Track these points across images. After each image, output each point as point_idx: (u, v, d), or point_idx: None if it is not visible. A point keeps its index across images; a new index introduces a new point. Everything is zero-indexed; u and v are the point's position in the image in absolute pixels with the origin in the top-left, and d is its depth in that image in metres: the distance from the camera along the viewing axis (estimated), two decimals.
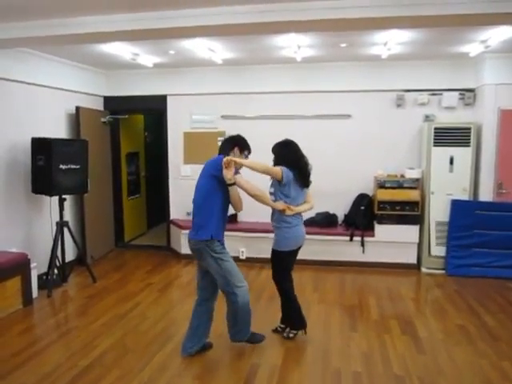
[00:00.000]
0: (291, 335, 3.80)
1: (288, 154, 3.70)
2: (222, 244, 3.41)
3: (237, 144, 3.55)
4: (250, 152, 3.61)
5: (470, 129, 5.46)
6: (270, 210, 3.70)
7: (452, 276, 5.48)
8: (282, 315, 3.90)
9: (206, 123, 6.45)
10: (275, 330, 3.94)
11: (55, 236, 5.08)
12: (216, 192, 3.34)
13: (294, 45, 4.84)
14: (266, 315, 4.23)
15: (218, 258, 3.32)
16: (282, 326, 3.91)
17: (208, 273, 3.42)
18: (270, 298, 4.74)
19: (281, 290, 3.79)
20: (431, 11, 3.24)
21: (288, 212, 3.58)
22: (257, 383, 3.12)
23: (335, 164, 6.14)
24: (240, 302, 3.35)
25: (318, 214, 6.13)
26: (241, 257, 6.02)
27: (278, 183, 3.60)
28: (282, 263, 3.75)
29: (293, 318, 3.81)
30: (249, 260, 6.00)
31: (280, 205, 3.58)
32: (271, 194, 3.65)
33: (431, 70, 5.79)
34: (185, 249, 6.28)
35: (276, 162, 3.69)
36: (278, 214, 3.65)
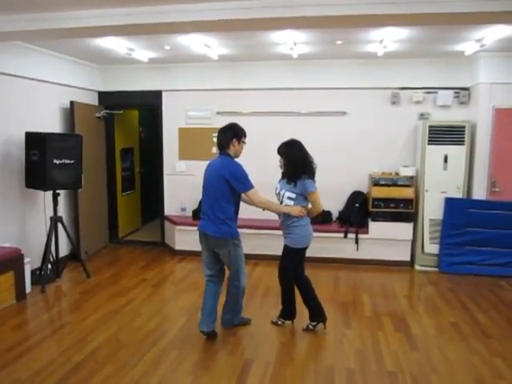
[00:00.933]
0: (311, 327, 3.93)
1: (299, 154, 3.80)
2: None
3: (235, 135, 3.67)
4: (245, 136, 3.76)
5: (464, 127, 5.48)
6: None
7: (445, 274, 5.52)
8: (309, 312, 3.98)
9: (201, 119, 6.44)
10: (275, 323, 4.05)
11: (49, 231, 5.05)
12: (233, 191, 3.58)
13: (290, 41, 4.83)
14: (261, 309, 4.25)
15: (236, 246, 3.66)
16: (283, 320, 4.01)
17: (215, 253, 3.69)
18: (265, 292, 4.76)
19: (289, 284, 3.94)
20: (427, 9, 3.23)
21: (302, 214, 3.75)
22: (250, 379, 3.12)
23: (330, 161, 6.11)
24: (241, 287, 3.77)
25: None
26: None
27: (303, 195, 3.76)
28: (296, 259, 3.90)
29: (315, 309, 3.95)
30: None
31: (297, 209, 3.72)
32: (290, 198, 3.76)
33: (426, 68, 5.81)
34: (179, 245, 6.29)
35: (286, 163, 3.80)
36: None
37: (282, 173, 3.90)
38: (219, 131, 3.72)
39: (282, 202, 3.80)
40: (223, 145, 3.67)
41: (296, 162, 3.73)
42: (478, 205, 5.50)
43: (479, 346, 3.63)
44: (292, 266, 3.88)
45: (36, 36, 4.30)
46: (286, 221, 3.80)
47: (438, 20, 3.55)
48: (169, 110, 6.57)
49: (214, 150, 6.31)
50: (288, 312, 4.00)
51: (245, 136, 3.75)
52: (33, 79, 5.23)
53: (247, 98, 6.28)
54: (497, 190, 5.53)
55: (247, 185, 3.57)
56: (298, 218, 3.73)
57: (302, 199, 3.76)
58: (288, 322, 4.02)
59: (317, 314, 3.93)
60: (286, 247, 3.89)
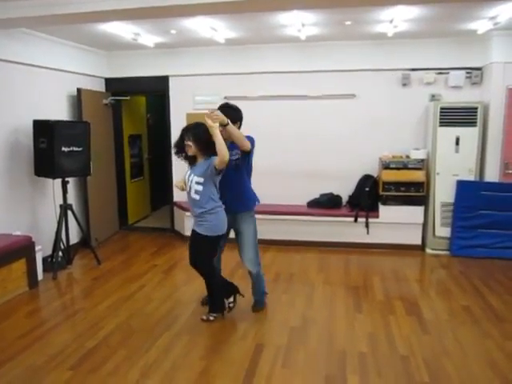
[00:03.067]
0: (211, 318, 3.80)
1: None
2: None
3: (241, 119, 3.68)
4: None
5: (476, 108, 5.37)
6: None
7: (457, 257, 5.47)
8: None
9: (208, 104, 6.35)
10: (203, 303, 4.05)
11: (59, 219, 5.07)
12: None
13: (298, 23, 4.74)
14: (272, 294, 4.26)
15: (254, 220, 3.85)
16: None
17: None
18: (276, 277, 4.77)
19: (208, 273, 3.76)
20: None
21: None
22: (262, 364, 3.13)
23: (339, 145, 6.08)
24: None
25: (322, 195, 6.11)
26: None
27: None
28: (214, 248, 3.71)
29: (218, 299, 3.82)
30: None
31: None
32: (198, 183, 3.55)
33: (438, 48, 5.68)
34: (188, 231, 6.27)
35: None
36: (210, 199, 3.51)
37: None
38: (226, 106, 3.73)
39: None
40: (236, 120, 3.68)
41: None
42: (491, 187, 5.43)
43: (492, 330, 3.60)
44: (212, 255, 3.73)
45: (42, 22, 4.24)
46: (201, 207, 3.56)
47: None
48: (176, 95, 6.52)
49: None
50: (226, 293, 3.84)
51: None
52: (39, 66, 5.21)
53: (255, 82, 6.20)
54: (510, 171, 5.43)
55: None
56: (218, 202, 3.56)
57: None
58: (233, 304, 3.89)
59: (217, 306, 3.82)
60: (202, 236, 3.62)
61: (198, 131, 3.48)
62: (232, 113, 3.60)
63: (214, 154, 3.37)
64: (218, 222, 3.57)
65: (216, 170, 3.40)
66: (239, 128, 3.65)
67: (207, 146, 3.44)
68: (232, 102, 3.82)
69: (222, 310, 3.83)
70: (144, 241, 6.46)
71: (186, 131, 3.54)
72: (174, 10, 3.72)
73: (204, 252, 3.65)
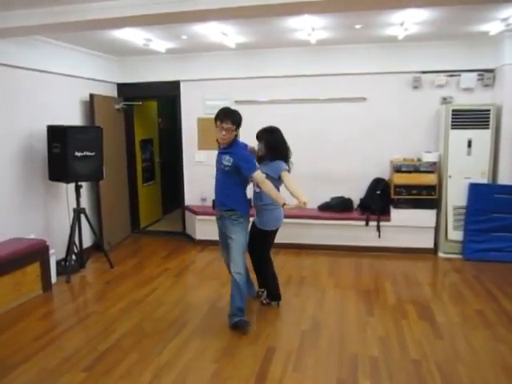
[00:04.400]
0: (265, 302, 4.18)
1: (278, 142, 3.95)
2: None
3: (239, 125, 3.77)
4: (217, 118, 3.80)
5: (489, 111, 5.33)
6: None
7: (470, 261, 5.42)
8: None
9: (219, 108, 6.40)
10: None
11: (72, 222, 5.13)
12: None
13: (308, 27, 4.75)
14: (283, 297, 4.26)
15: None
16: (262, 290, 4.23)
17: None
18: (287, 280, 4.76)
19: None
20: None
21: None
22: (273, 367, 3.13)
23: (350, 148, 6.07)
24: None
25: (333, 199, 6.10)
26: None
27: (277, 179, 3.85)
28: (264, 240, 4.05)
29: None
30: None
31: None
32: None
33: (449, 50, 5.64)
34: (199, 234, 6.32)
35: (267, 149, 3.91)
36: (267, 196, 3.79)
37: (260, 157, 3.98)
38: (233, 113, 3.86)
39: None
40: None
41: (276, 147, 3.90)
42: (504, 190, 5.37)
43: (506, 334, 3.56)
44: (264, 246, 4.07)
45: (56, 29, 4.31)
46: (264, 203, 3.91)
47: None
48: (187, 99, 6.56)
49: None
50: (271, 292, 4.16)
51: (218, 120, 3.73)
52: (53, 73, 5.28)
53: (265, 86, 6.22)
54: None
55: (252, 164, 3.74)
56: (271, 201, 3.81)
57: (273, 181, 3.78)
58: (274, 303, 4.17)
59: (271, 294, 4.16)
60: (254, 225, 4.04)
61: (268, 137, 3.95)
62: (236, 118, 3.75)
63: (278, 158, 3.87)
64: (269, 218, 3.92)
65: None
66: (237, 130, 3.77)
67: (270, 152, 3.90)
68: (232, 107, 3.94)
69: (276, 299, 4.15)
70: (155, 244, 6.51)
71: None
72: (185, 15, 3.75)
73: (256, 242, 4.01)
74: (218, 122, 3.68)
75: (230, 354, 3.34)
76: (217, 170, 3.91)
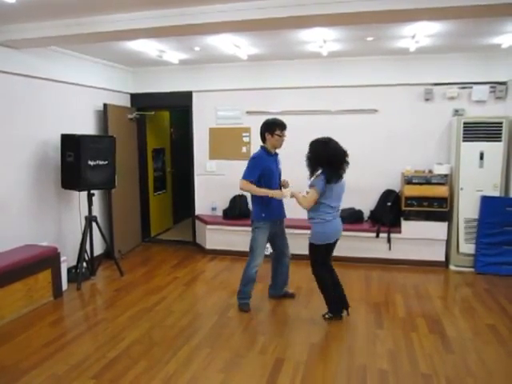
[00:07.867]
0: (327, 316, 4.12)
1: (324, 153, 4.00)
2: None
3: (266, 130, 4.15)
4: (282, 128, 4.11)
5: (501, 123, 5.29)
6: None
7: (481, 274, 5.35)
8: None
9: (231, 119, 6.47)
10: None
11: (84, 230, 5.19)
12: (258, 178, 4.13)
13: (320, 39, 4.79)
14: (292, 309, 4.23)
15: (256, 228, 4.27)
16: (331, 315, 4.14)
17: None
18: (295, 292, 4.74)
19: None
20: (463, 2, 3.15)
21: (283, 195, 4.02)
22: (281, 379, 3.12)
23: (361, 159, 6.04)
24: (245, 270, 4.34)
25: (343, 210, 6.06)
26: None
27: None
28: (318, 254, 4.08)
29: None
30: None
31: (278, 193, 4.08)
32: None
33: (461, 62, 5.64)
34: (210, 244, 6.34)
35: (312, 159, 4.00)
36: (312, 210, 3.93)
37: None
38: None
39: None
40: (261, 139, 4.23)
41: (314, 157, 3.96)
42: None
43: None
44: (318, 260, 4.08)
45: (72, 41, 4.42)
46: (308, 217, 4.02)
47: (473, 13, 3.45)
48: (199, 110, 6.63)
49: (244, 149, 6.37)
50: (334, 306, 4.10)
51: (280, 129, 4.12)
52: (68, 83, 5.39)
53: (277, 98, 6.26)
54: None
55: (244, 173, 4.09)
56: (317, 215, 3.92)
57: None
58: (344, 314, 4.14)
59: (332, 307, 4.11)
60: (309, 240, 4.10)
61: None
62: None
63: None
64: (319, 231, 3.98)
65: None
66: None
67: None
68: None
69: (336, 314, 4.08)
70: (166, 253, 6.54)
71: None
72: (197, 28, 3.83)
73: (311, 256, 4.08)
74: (278, 131, 4.12)
75: (239, 364, 3.33)
76: (272, 178, 4.11)
